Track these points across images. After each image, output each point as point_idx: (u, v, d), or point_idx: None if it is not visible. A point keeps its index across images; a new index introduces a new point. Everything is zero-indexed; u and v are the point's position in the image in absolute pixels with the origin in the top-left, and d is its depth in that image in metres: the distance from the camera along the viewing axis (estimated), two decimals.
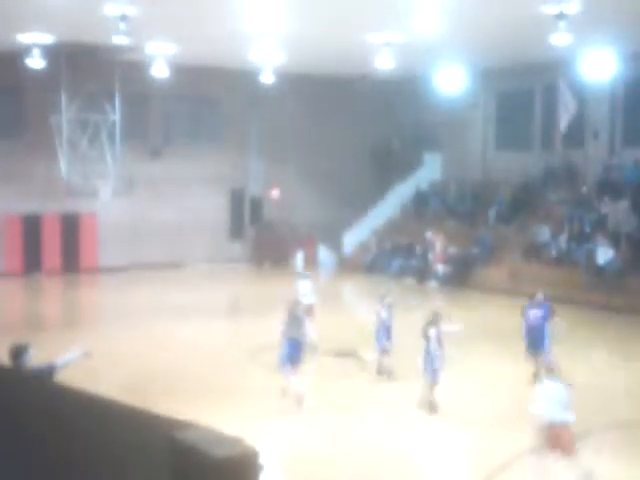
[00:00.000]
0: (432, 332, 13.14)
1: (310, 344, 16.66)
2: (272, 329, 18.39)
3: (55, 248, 28.82)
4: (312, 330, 16.31)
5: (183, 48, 24.89)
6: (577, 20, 18.46)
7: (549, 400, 10.10)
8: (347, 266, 31.06)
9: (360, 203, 32.24)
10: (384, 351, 14.92)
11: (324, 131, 33.04)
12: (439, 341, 13.16)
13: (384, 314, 14.95)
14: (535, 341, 14.59)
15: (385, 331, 14.92)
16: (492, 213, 29.40)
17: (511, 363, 15.43)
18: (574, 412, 9.97)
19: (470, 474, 10.82)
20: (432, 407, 13.01)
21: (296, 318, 13.52)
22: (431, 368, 13.05)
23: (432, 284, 27.30)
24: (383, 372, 14.91)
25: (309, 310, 17.42)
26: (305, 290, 18.05)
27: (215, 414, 11.80)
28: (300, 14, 20.05)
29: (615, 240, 23.96)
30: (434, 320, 13.37)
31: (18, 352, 8.58)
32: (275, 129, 32.11)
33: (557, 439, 10.00)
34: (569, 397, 10.12)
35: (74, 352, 9.36)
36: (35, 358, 9.08)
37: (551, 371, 10.47)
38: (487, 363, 16.38)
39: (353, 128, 33.40)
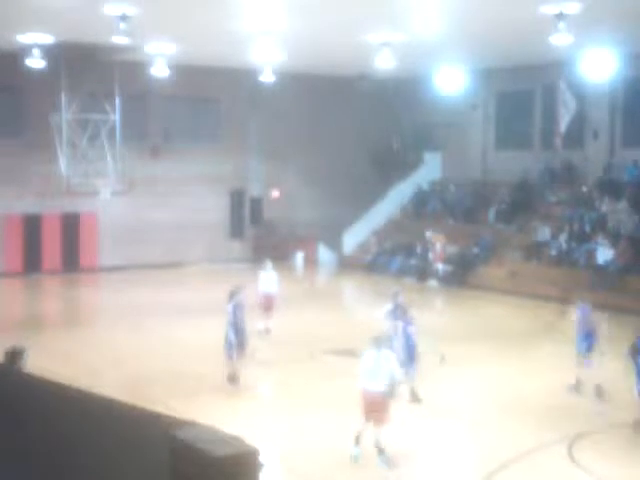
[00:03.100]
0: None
1: (261, 331, 17.57)
2: (271, 328, 18.49)
3: (55, 248, 28.82)
4: (268, 318, 18.07)
5: (183, 48, 24.88)
6: (577, 20, 18.44)
7: (368, 369, 10.58)
8: (347, 266, 31.05)
9: (360, 203, 32.23)
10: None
11: (324, 131, 33.03)
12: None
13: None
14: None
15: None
16: (492, 213, 29.41)
17: (511, 362, 15.42)
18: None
19: (470, 474, 10.82)
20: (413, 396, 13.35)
21: (238, 305, 14.33)
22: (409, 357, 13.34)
23: (432, 283, 27.30)
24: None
25: (269, 300, 18.41)
26: (267, 280, 18.86)
27: (215, 413, 11.81)
28: (300, 14, 20.04)
29: (615, 240, 23.97)
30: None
31: (14, 355, 8.55)
32: (275, 129, 32.11)
33: (371, 407, 10.44)
34: (391, 368, 10.60)
35: None
36: (34, 358, 9.08)
37: (377, 340, 10.84)
38: (487, 362, 16.38)
39: (353, 128, 33.39)
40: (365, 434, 10.71)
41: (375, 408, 10.51)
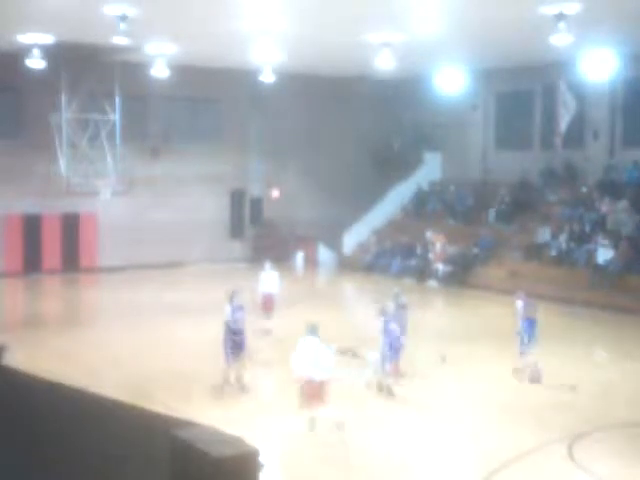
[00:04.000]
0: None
1: (261, 331, 17.68)
2: (272, 328, 18.49)
3: (55, 248, 28.82)
4: (268, 318, 18.27)
5: (183, 48, 24.88)
6: (577, 20, 18.45)
7: (306, 356, 11.23)
8: (347, 266, 31.05)
9: (360, 203, 32.23)
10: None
11: (324, 131, 33.04)
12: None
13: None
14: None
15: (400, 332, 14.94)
16: (492, 213, 29.41)
17: (511, 362, 15.41)
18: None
19: (470, 474, 10.82)
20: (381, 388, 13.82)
21: (237, 307, 14.30)
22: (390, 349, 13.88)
23: (432, 284, 27.30)
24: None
25: (269, 300, 18.46)
26: (267, 280, 18.97)
27: (215, 413, 11.81)
28: (300, 14, 20.05)
29: (615, 240, 23.97)
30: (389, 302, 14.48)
31: None
32: (275, 129, 32.11)
33: (312, 392, 11.15)
34: (326, 355, 11.30)
35: None
36: (34, 358, 9.07)
37: (312, 328, 11.56)
38: (487, 362, 16.37)
39: (353, 128, 33.39)
40: (318, 418, 11.42)
41: (316, 393, 11.20)
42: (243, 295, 14.91)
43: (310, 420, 11.46)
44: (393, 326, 14.04)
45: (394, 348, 14.06)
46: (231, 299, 14.42)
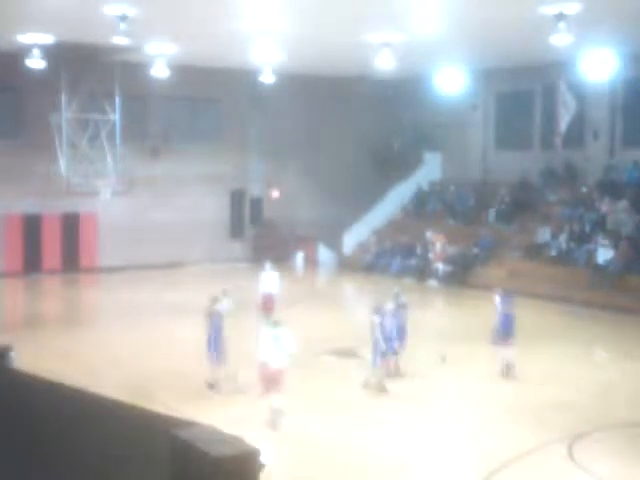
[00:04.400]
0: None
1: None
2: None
3: (55, 248, 28.82)
4: (268, 318, 17.56)
5: (183, 48, 24.88)
6: (577, 20, 18.45)
7: (269, 346, 11.96)
8: (347, 266, 31.05)
9: (360, 203, 32.23)
10: (394, 352, 14.96)
11: (324, 131, 33.04)
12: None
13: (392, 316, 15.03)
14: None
15: (396, 332, 14.93)
16: (492, 213, 29.41)
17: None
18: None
19: (470, 474, 10.82)
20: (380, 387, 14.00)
21: (217, 313, 14.42)
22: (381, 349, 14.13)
23: (432, 283, 27.30)
24: (391, 372, 14.91)
25: (269, 300, 18.48)
26: (267, 280, 19.08)
27: (215, 413, 11.80)
28: (300, 14, 20.05)
29: (615, 240, 23.97)
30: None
31: (0, 354, 8.47)
32: (275, 129, 32.11)
33: (272, 380, 11.85)
34: (287, 343, 11.99)
35: None
36: (34, 358, 9.07)
37: (275, 323, 12.31)
38: (487, 362, 16.35)
39: (353, 128, 33.39)
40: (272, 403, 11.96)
41: (275, 380, 11.88)
42: (227, 300, 14.81)
43: (272, 410, 11.93)
44: (387, 324, 14.20)
45: (387, 345, 14.19)
46: (213, 304, 14.45)
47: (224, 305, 14.58)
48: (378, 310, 14.34)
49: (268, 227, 32.82)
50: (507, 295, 15.87)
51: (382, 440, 11.67)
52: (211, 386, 14.12)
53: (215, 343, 14.23)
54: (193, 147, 31.02)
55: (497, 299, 15.73)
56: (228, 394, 13.82)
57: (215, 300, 14.56)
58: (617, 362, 16.94)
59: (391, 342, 14.57)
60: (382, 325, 14.08)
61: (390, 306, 14.86)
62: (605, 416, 12.91)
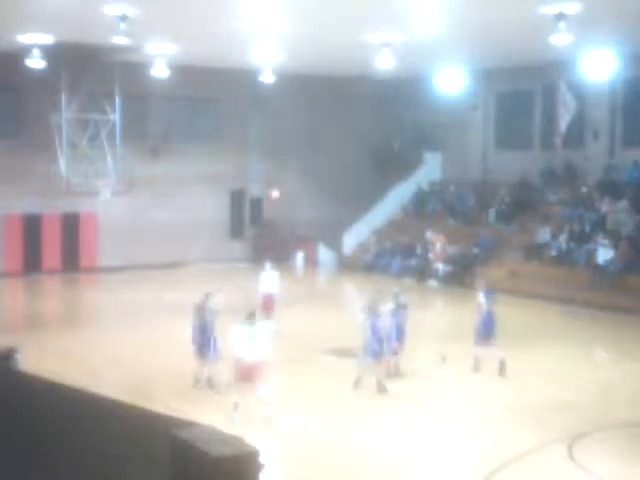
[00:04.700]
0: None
1: (269, 332, 17.49)
2: (272, 328, 18.47)
3: (55, 248, 28.82)
4: (268, 318, 18.04)
5: (183, 48, 24.88)
6: (577, 20, 18.44)
7: (244, 340, 12.23)
8: (347, 266, 31.05)
9: (360, 203, 32.23)
10: (394, 352, 14.97)
11: (324, 131, 33.03)
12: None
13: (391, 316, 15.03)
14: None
15: (395, 332, 14.94)
16: (492, 213, 29.40)
17: (511, 362, 15.41)
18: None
19: (470, 474, 10.82)
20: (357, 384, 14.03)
21: (206, 309, 14.50)
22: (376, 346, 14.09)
23: (432, 283, 27.29)
24: (391, 373, 14.92)
25: (269, 300, 18.58)
26: (268, 280, 19.07)
27: (215, 413, 11.80)
28: (300, 14, 20.04)
29: (615, 240, 23.97)
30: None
31: (6, 356, 8.48)
32: (275, 129, 32.11)
33: (248, 373, 12.08)
34: (262, 338, 12.32)
35: None
36: (34, 358, 9.07)
37: (251, 316, 12.53)
38: (487, 362, 16.34)
39: (353, 128, 33.38)
40: (243, 399, 12.20)
41: (251, 375, 12.11)
42: (218, 298, 14.85)
43: (234, 404, 12.18)
44: (383, 324, 14.19)
45: (381, 346, 14.14)
46: (204, 301, 14.56)
47: (216, 302, 14.64)
48: (367, 309, 14.32)
49: (268, 227, 32.82)
50: (490, 291, 15.84)
51: (382, 440, 11.67)
52: (197, 382, 14.22)
53: (202, 339, 14.32)
54: (193, 147, 31.03)
55: (480, 295, 15.68)
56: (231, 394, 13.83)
57: (207, 297, 14.64)
58: (617, 362, 16.94)
59: (390, 342, 14.56)
60: (373, 325, 14.04)
61: (388, 306, 14.85)
62: (605, 416, 12.91)
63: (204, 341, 14.29)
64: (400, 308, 15.16)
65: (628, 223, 24.63)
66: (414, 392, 14.17)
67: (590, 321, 21.29)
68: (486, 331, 15.23)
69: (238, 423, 11.59)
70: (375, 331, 14.03)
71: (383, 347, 14.15)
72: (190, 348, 14.42)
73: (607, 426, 12.46)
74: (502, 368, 15.03)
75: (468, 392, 14.33)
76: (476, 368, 15.26)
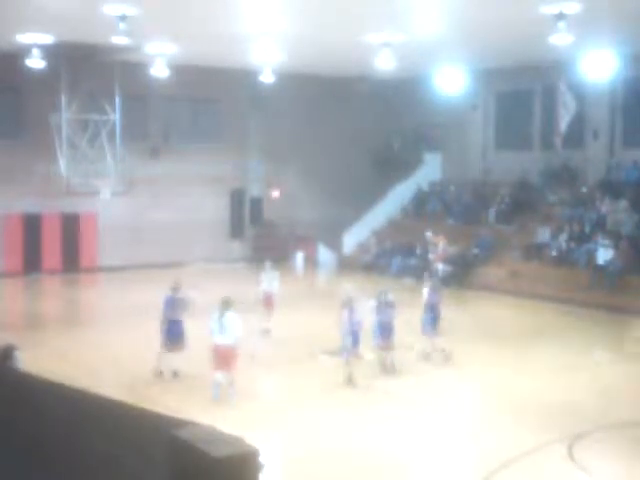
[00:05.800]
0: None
1: (262, 331, 18.17)
2: (271, 328, 18.49)
3: (55, 248, 28.82)
4: (267, 317, 18.53)
5: (183, 48, 24.88)
6: (577, 20, 18.45)
7: (218, 326, 12.90)
8: (347, 266, 31.03)
9: (360, 203, 32.23)
10: (380, 349, 15.08)
11: (324, 131, 33.03)
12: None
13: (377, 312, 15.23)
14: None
15: (384, 329, 15.03)
16: (492, 213, 29.40)
17: (511, 362, 15.43)
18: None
19: (470, 474, 10.82)
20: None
21: (176, 301, 15.39)
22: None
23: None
24: (387, 370, 14.97)
25: (269, 299, 18.71)
26: (268, 280, 19.23)
27: (215, 413, 11.80)
28: (300, 14, 20.05)
29: (615, 240, 23.97)
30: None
31: (5, 354, 8.50)
32: (275, 129, 32.11)
33: (223, 359, 12.83)
34: (235, 324, 12.86)
35: None
36: (34, 358, 9.07)
37: (226, 303, 13.12)
38: (487, 362, 16.37)
39: (353, 128, 33.39)
40: (220, 380, 13.05)
41: (225, 358, 12.83)
42: (189, 291, 15.70)
43: (215, 385, 12.99)
44: (358, 318, 14.60)
45: (355, 339, 14.55)
46: (174, 290, 15.45)
47: (186, 293, 15.29)
48: (346, 303, 14.67)
49: (268, 227, 32.82)
50: (435, 288, 16.81)
51: (381, 440, 11.66)
52: (159, 374, 14.60)
53: (169, 329, 14.98)
54: (193, 147, 31.03)
55: (425, 290, 16.53)
56: (234, 396, 13.83)
57: (175, 288, 15.53)
58: (617, 362, 16.94)
59: (375, 339, 15.01)
60: (348, 319, 14.42)
61: (370, 303, 15.20)
62: (605, 416, 12.91)
63: (173, 332, 14.90)
64: (386, 306, 15.24)
65: (628, 223, 24.63)
66: (414, 392, 14.16)
67: (590, 321, 21.28)
68: (433, 323, 16.16)
69: (234, 398, 12.65)
70: (351, 324, 14.43)
71: (354, 341, 14.50)
72: (200, 349, 14.51)
73: (607, 426, 12.46)
74: (446, 358, 15.78)
75: (468, 392, 14.32)
76: (425, 356, 15.98)
